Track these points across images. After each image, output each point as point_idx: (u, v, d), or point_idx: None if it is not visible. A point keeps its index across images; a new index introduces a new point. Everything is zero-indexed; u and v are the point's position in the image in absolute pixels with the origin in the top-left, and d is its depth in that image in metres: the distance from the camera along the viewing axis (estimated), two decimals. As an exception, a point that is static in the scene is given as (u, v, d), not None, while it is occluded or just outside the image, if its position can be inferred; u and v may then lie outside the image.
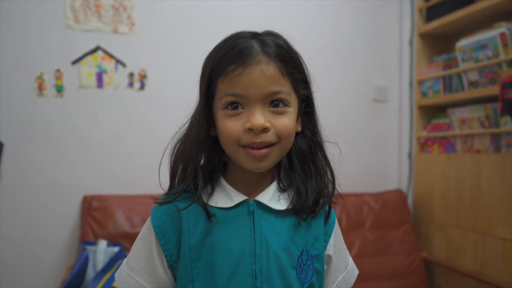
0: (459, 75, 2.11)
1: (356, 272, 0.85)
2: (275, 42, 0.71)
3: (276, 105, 0.69)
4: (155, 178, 2.07)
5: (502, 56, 1.86)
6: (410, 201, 2.39)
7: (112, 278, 1.56)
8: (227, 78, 0.68)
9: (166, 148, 0.78)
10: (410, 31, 2.40)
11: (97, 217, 1.79)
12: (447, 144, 2.20)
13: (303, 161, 0.76)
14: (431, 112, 2.37)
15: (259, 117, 0.67)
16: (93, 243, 1.71)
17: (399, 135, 2.49)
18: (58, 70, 1.86)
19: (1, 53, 1.79)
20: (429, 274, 2.24)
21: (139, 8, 1.97)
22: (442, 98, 2.20)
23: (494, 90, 1.85)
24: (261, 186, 0.75)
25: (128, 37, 1.95)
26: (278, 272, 0.71)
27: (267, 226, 0.72)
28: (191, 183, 0.72)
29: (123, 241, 1.76)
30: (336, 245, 0.81)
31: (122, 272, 0.75)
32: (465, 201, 2.03)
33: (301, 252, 0.73)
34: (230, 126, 0.69)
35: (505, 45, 1.85)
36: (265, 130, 0.67)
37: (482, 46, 1.96)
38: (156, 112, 2.00)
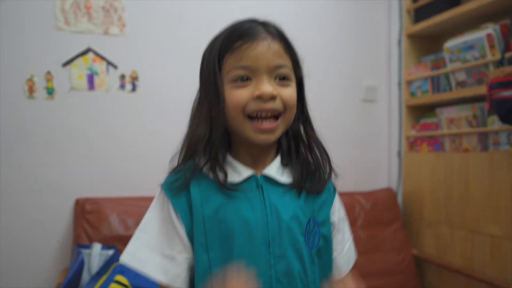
0: (447, 75, 2.15)
1: (349, 234, 0.93)
2: (275, 25, 0.78)
3: (283, 78, 0.74)
4: (148, 180, 2.06)
5: (489, 57, 1.90)
6: (400, 199, 2.43)
7: (107, 281, 1.55)
8: (235, 52, 0.72)
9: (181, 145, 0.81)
10: (398, 32, 2.44)
11: (91, 220, 1.78)
12: (435, 143, 2.24)
13: (299, 139, 0.81)
14: (419, 112, 2.42)
15: (268, 86, 0.72)
16: (88, 247, 1.69)
17: (388, 135, 2.53)
18: (48, 72, 1.84)
19: (-10, 55, 1.77)
20: (420, 271, 2.28)
21: (130, 10, 1.96)
22: (430, 98, 2.24)
23: (481, 90, 1.90)
24: (265, 159, 0.79)
25: (119, 39, 1.94)
26: (289, 239, 0.75)
27: (275, 197, 0.76)
28: (200, 159, 0.75)
29: (117, 244, 1.75)
30: (340, 214, 0.87)
31: (141, 254, 0.74)
32: (454, 198, 2.07)
33: (309, 220, 0.78)
34: (238, 94, 0.72)
35: (491, 46, 1.90)
36: (273, 98, 0.72)
37: (469, 47, 2.00)
38: (148, 113, 2.00)
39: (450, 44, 2.09)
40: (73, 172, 1.89)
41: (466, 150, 2.04)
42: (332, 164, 0.82)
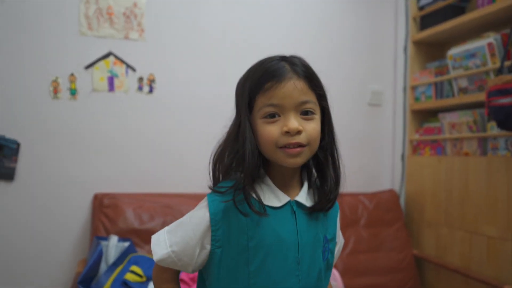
0: (450, 82, 2.23)
1: (343, 240, 1.03)
2: (301, 62, 0.86)
3: (306, 113, 0.84)
4: (163, 177, 2.16)
5: (490, 65, 1.98)
6: (402, 200, 2.52)
7: (123, 271, 1.67)
8: (265, 93, 0.83)
9: (212, 152, 0.89)
10: (404, 39, 2.52)
11: (108, 214, 1.90)
12: (438, 147, 2.32)
13: (326, 164, 0.90)
14: (423, 116, 2.50)
15: (294, 122, 0.82)
16: (105, 238, 1.81)
17: (393, 138, 2.61)
18: (72, 74, 1.97)
19: (19, 58, 1.89)
20: (420, 270, 2.36)
21: (148, 16, 2.07)
22: (433, 103, 2.32)
23: (482, 96, 1.97)
24: (294, 184, 0.90)
25: (138, 43, 2.06)
26: (312, 257, 0.88)
27: (303, 220, 0.88)
28: (241, 182, 0.85)
29: (133, 237, 1.87)
30: (338, 226, 0.99)
31: (161, 237, 0.88)
32: (454, 201, 2.15)
33: (324, 237, 0.91)
34: (270, 130, 0.83)
35: (492, 55, 1.98)
36: (299, 132, 0.82)
37: (471, 55, 2.08)
38: (163, 114, 2.11)
39: (453, 51, 2.17)
40: (93, 168, 2.01)
41: (466, 154, 2.12)
42: (342, 183, 0.93)
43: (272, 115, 0.83)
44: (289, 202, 0.88)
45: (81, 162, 1.99)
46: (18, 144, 1.89)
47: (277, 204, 0.87)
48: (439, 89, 2.31)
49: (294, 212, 0.87)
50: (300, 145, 0.83)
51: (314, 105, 0.85)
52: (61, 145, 1.96)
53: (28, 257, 1.92)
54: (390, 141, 2.61)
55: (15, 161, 1.88)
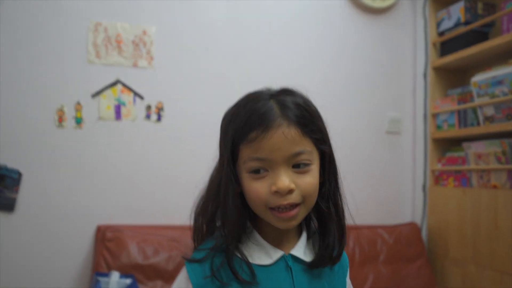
0: (474, 110, 2.11)
1: None
2: (293, 102, 0.72)
3: (299, 166, 0.71)
4: (168, 209, 2.07)
5: (518, 93, 1.86)
6: (424, 234, 2.36)
7: (124, 311, 1.57)
8: (250, 144, 0.70)
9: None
10: (424, 65, 2.41)
11: (111, 248, 1.81)
12: (462, 178, 2.18)
13: (325, 212, 0.78)
14: (445, 145, 2.36)
15: (284, 179, 0.69)
16: (106, 275, 1.72)
17: (413, 168, 2.48)
18: (78, 103, 1.92)
19: (24, 86, 1.86)
20: (445, 311, 2.19)
21: (158, 43, 2.03)
22: (457, 131, 2.19)
23: (511, 126, 1.85)
24: (291, 236, 0.78)
25: (146, 71, 2.01)
26: None
27: (303, 279, 0.75)
28: (225, 240, 0.73)
29: (135, 273, 1.77)
30: (349, 283, 0.85)
31: None
32: (482, 236, 1.99)
33: None
34: (257, 189, 0.71)
35: (520, 82, 1.85)
36: (290, 191, 0.70)
37: (498, 82, 1.96)
38: (171, 143, 2.04)
39: (478, 78, 2.05)
40: (97, 199, 1.94)
41: (495, 187, 1.97)
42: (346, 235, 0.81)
43: (258, 171, 0.71)
44: (282, 257, 0.75)
45: (85, 193, 1.92)
46: (20, 174, 1.84)
47: (268, 261, 0.74)
48: (463, 117, 2.19)
49: (290, 269, 0.74)
50: (293, 205, 0.71)
51: (309, 155, 0.71)
52: (64, 175, 1.90)
53: (26, 292, 1.84)
54: (410, 171, 2.48)
55: (17, 191, 1.83)
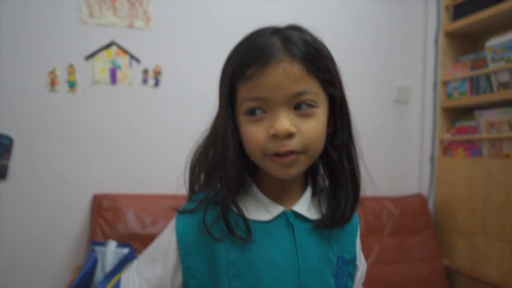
0: (488, 76, 2.01)
1: (366, 265, 0.82)
2: (299, 37, 0.63)
3: (302, 107, 0.62)
4: (168, 177, 2.00)
5: (536, 56, 1.75)
6: (431, 206, 2.30)
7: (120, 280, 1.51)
8: (247, 82, 0.62)
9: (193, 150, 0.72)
10: (435, 30, 2.30)
11: (107, 217, 1.74)
12: (472, 147, 2.10)
13: (337, 166, 0.69)
14: (455, 115, 2.27)
15: (284, 121, 0.61)
16: (102, 244, 1.66)
17: (421, 138, 2.39)
18: (71, 65, 1.82)
19: (14, 48, 1.76)
20: (450, 283, 2.14)
21: (155, 3, 1.91)
22: (468, 99, 2.10)
23: (526, 92, 1.75)
24: (293, 191, 0.70)
25: (143, 33, 1.90)
26: (320, 284, 0.68)
27: (306, 237, 0.68)
28: (219, 192, 0.66)
29: (133, 242, 1.71)
30: (359, 245, 0.78)
31: (129, 276, 0.71)
32: (492, 208, 1.92)
33: (338, 259, 0.71)
34: (254, 133, 0.63)
35: (539, 45, 1.75)
36: (290, 135, 0.61)
37: (514, 46, 1.85)
38: (170, 110, 1.95)
39: (493, 42, 1.94)
40: (92, 167, 1.86)
41: (507, 156, 1.89)
42: (360, 194, 0.72)
43: (255, 112, 0.63)
44: (283, 213, 0.67)
45: (79, 161, 1.84)
46: (11, 140, 1.75)
47: (266, 217, 0.67)
48: (475, 84, 2.09)
49: (292, 226, 0.67)
50: (293, 153, 0.62)
51: (314, 96, 0.63)
52: (58, 141, 1.81)
53: (20, 262, 1.78)
54: (418, 141, 2.39)
55: (8, 158, 1.74)
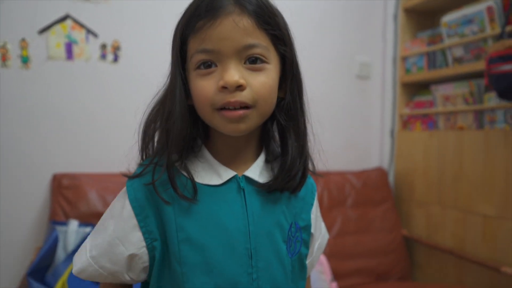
0: (443, 51, 2.07)
1: (327, 236, 0.83)
2: None
3: (253, 61, 0.62)
4: (129, 156, 1.96)
5: (488, 31, 1.82)
6: (391, 179, 2.37)
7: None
8: (197, 34, 0.62)
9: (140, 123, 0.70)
10: (394, 6, 2.34)
11: (68, 196, 1.70)
12: (429, 121, 2.17)
13: (287, 130, 0.69)
14: (414, 89, 2.34)
15: (233, 73, 0.61)
16: (64, 223, 1.62)
17: (381, 112, 2.45)
18: (23, 40, 1.73)
19: (-41, 20, 1.66)
20: (410, 251, 2.24)
21: (111, -26, 1.84)
22: (425, 74, 2.16)
23: (479, 66, 1.82)
24: (247, 157, 0.70)
25: (100, 6, 1.83)
26: (271, 249, 0.68)
27: (257, 202, 0.68)
28: (169, 155, 0.65)
29: (95, 221, 1.67)
30: (315, 214, 0.79)
31: (82, 255, 0.69)
32: (447, 178, 2.01)
33: (290, 225, 0.71)
34: (203, 86, 0.63)
35: (491, 20, 1.81)
36: (240, 87, 0.61)
37: (468, 21, 1.91)
38: (130, 86, 1.90)
39: (448, 18, 2.00)
40: (50, 146, 1.79)
41: (461, 128, 1.97)
42: (312, 160, 0.72)
43: (206, 65, 0.62)
44: (234, 177, 0.67)
45: (37, 139, 1.77)
46: (-39, 119, 1.67)
47: (217, 181, 0.66)
48: (432, 60, 2.15)
49: (243, 190, 0.67)
50: (242, 106, 0.62)
51: (265, 51, 0.63)
52: (13, 120, 1.73)
53: (-22, 245, 1.71)
54: (378, 115, 2.46)
55: (-42, 138, 1.66)
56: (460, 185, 1.94)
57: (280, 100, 0.69)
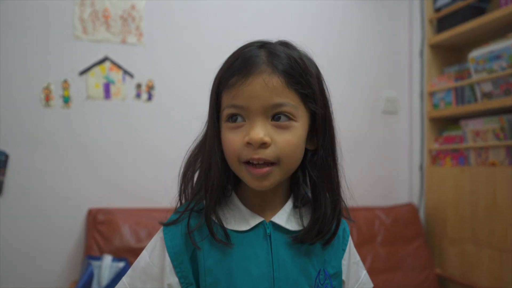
0: (471, 86, 2.07)
1: (370, 285, 0.81)
2: (285, 52, 0.66)
3: (279, 119, 0.65)
4: (162, 191, 2.01)
5: (517, 67, 1.82)
6: (422, 215, 2.33)
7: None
8: (230, 90, 0.65)
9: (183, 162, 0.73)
10: (420, 42, 2.37)
11: (103, 231, 1.75)
12: (460, 156, 2.15)
13: (320, 184, 0.70)
14: (442, 124, 2.33)
15: (259, 130, 0.63)
16: (98, 258, 1.66)
17: (409, 148, 2.44)
18: (65, 81, 1.84)
19: (8, 63, 1.78)
20: (443, 291, 2.17)
21: (147, 19, 1.95)
22: (454, 109, 2.16)
23: (509, 101, 1.82)
24: (275, 203, 0.72)
25: (136, 48, 1.94)
26: None
27: (283, 248, 0.69)
28: (202, 201, 0.69)
29: (128, 256, 1.71)
30: (350, 260, 0.78)
31: None
32: (480, 215, 1.97)
33: (319, 272, 0.71)
34: (232, 140, 0.66)
35: (520, 56, 1.82)
36: (264, 145, 0.63)
37: (496, 57, 1.92)
38: (163, 123, 1.97)
39: (475, 54, 2.01)
40: (87, 182, 1.87)
41: (493, 164, 1.95)
42: (347, 207, 0.73)
43: (235, 118, 0.65)
44: (261, 223, 0.69)
45: (74, 175, 1.85)
46: (6, 156, 1.75)
47: (244, 227, 0.68)
48: (460, 95, 2.15)
49: (269, 237, 0.68)
50: (266, 163, 0.64)
51: (293, 109, 0.65)
52: (53, 156, 1.82)
53: (16, 278, 1.77)
54: (407, 151, 2.44)
55: (3, 174, 1.75)
56: (494, 222, 1.90)
57: (311, 152, 0.71)
